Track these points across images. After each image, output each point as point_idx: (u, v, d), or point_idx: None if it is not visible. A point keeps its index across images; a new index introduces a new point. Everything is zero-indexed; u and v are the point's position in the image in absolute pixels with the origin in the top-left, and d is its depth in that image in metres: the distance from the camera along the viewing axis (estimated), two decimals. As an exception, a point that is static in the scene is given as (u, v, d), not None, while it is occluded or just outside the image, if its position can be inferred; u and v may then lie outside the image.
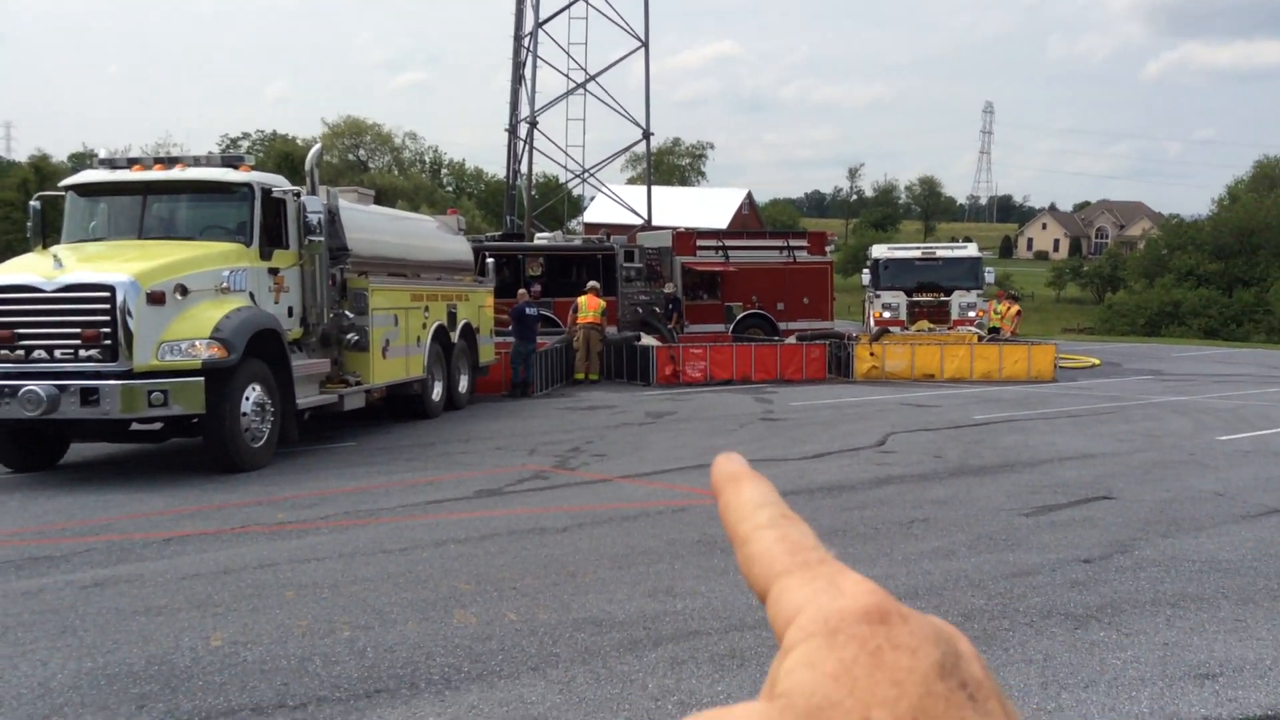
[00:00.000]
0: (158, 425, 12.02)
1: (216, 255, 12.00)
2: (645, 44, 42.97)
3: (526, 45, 43.37)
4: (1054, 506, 9.85)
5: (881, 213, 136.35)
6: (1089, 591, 7.11)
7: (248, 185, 12.61)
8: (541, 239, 29.14)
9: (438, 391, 17.23)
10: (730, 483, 0.56)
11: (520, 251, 26.81)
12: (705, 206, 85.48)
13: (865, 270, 30.62)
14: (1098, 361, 29.21)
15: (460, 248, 19.75)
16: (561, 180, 47.22)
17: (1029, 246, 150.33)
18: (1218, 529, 9.01)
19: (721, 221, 76.34)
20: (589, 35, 42.23)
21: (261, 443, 12.02)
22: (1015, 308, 27.21)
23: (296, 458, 12.72)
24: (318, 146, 13.88)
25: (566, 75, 42.78)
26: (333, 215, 14.10)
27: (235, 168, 12.83)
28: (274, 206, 13.03)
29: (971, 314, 29.26)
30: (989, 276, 30.02)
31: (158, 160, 12.95)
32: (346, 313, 14.32)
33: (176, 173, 12.68)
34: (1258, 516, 9.51)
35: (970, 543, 8.44)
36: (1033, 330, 60.64)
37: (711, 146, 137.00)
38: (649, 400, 19.52)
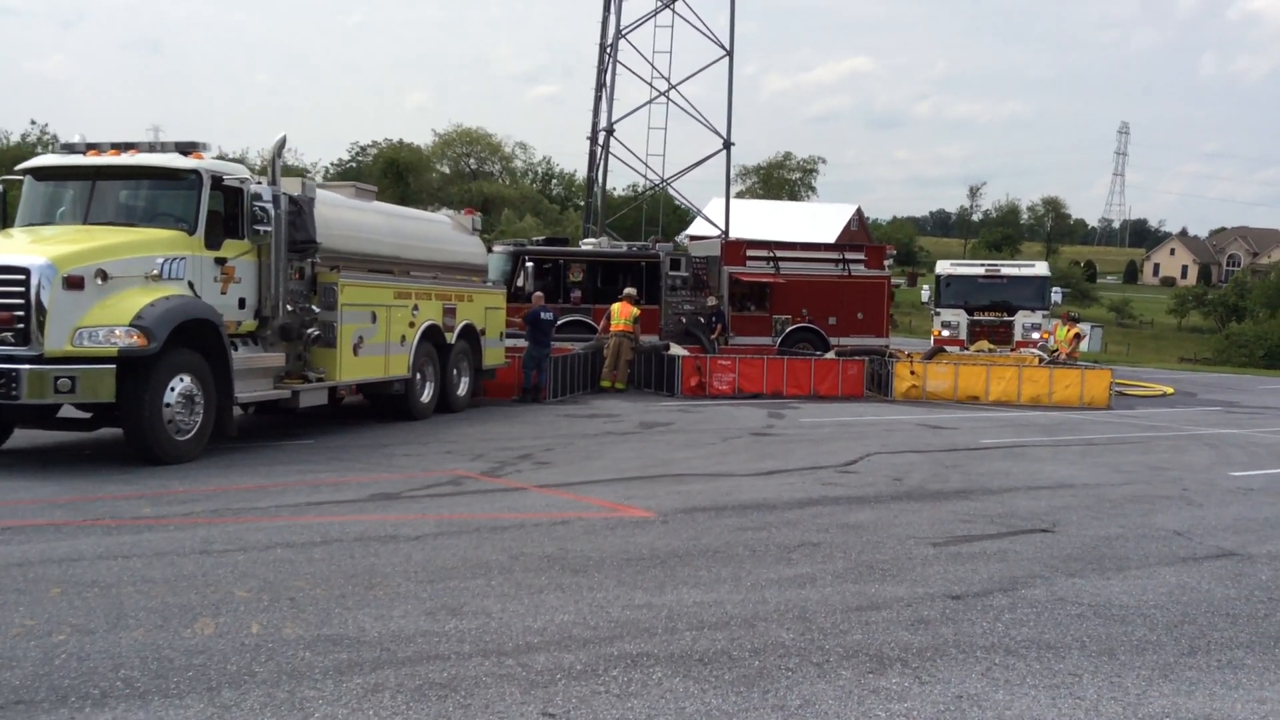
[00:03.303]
0: (88, 414, 11.87)
1: (150, 242, 11.77)
2: (730, 53, 42.29)
3: (609, 53, 43.07)
4: (976, 537, 8.92)
5: (1001, 233, 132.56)
6: (926, 632, 6.27)
7: (195, 172, 12.36)
8: (587, 245, 28.66)
9: (428, 393, 16.84)
10: None
11: (562, 256, 26.39)
12: (812, 222, 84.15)
13: (925, 287, 29.43)
14: (1171, 390, 27.51)
15: (472, 249, 19.38)
16: (654, 190, 46.56)
17: (1155, 272, 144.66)
18: (1143, 570, 8.00)
19: (829, 237, 74.91)
20: (679, 44, 41.81)
21: (189, 436, 11.70)
22: (1074, 330, 25.71)
23: (234, 453, 12.42)
24: (281, 136, 13.56)
25: (650, 84, 42.37)
26: (299, 207, 13.80)
27: (188, 155, 12.61)
28: (232, 196, 12.78)
29: (1035, 335, 27.89)
30: (1056, 297, 28.57)
31: (114, 146, 12.81)
32: (313, 307, 14.03)
33: (125, 158, 12.51)
34: (1202, 559, 8.46)
35: (841, 572, 7.62)
36: (1148, 359, 58.14)
37: (823, 161, 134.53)
38: (659, 411, 18.85)
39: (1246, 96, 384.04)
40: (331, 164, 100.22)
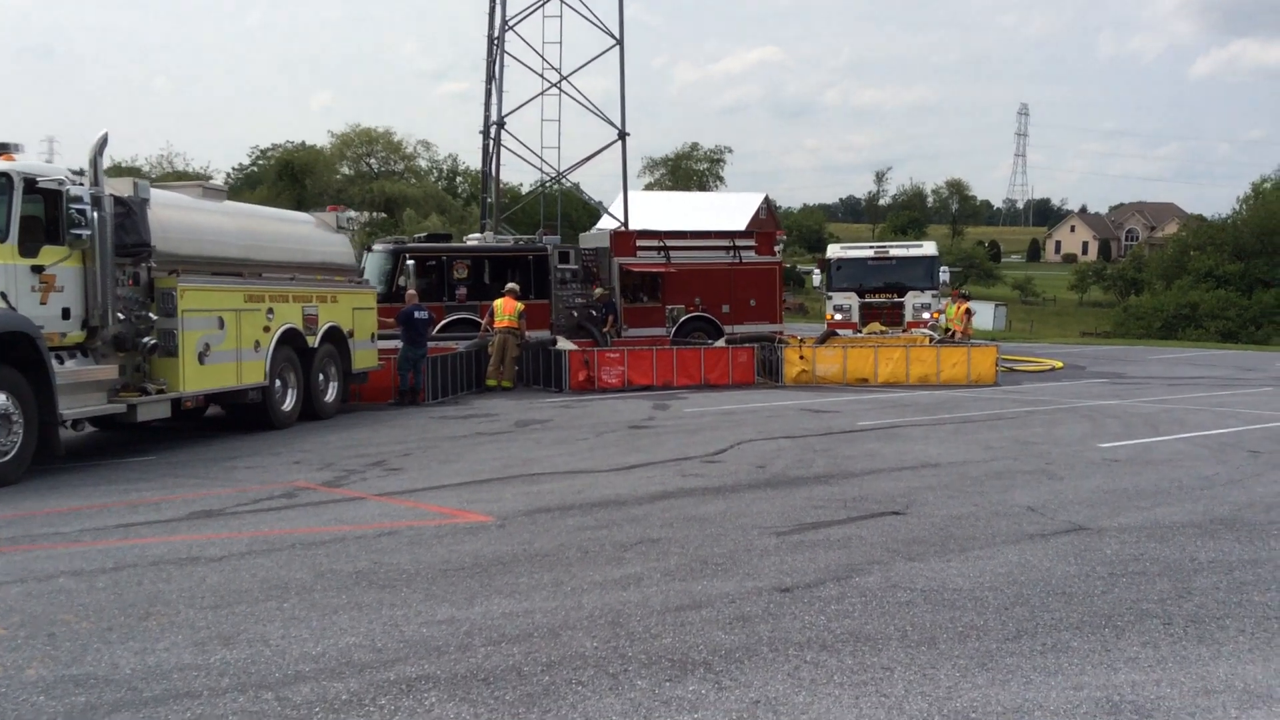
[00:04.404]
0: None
1: (-46, 252, 10.97)
2: (620, 42, 41.71)
3: (497, 44, 42.32)
4: (823, 524, 8.56)
5: (908, 216, 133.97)
6: (743, 630, 5.85)
7: (4, 175, 11.54)
8: (472, 240, 28.00)
9: (290, 400, 16.10)
10: None
11: (445, 253, 25.69)
12: (720, 211, 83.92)
13: (816, 271, 29.30)
14: (1059, 364, 27.68)
15: (336, 248, 18.65)
16: (549, 184, 45.94)
17: (1057, 250, 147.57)
18: (986, 550, 7.70)
19: (738, 226, 74.77)
20: (575, 36, 41.20)
21: (7, 458, 10.91)
22: (964, 306, 25.72)
23: (62, 473, 11.65)
24: (102, 134, 12.77)
25: (541, 76, 41.68)
26: (129, 209, 13.04)
27: (-3, 157, 11.79)
28: (50, 199, 11.98)
29: (925, 315, 27.89)
30: (944, 276, 28.63)
31: (-80, 152, 11.94)
32: (150, 314, 13.27)
33: (-74, 164, 11.66)
34: (1050, 535, 8.18)
35: (672, 569, 7.18)
36: (1050, 334, 58.86)
37: (729, 150, 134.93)
38: (541, 408, 18.32)
39: (1143, 74, 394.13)
40: (233, 169, 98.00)
